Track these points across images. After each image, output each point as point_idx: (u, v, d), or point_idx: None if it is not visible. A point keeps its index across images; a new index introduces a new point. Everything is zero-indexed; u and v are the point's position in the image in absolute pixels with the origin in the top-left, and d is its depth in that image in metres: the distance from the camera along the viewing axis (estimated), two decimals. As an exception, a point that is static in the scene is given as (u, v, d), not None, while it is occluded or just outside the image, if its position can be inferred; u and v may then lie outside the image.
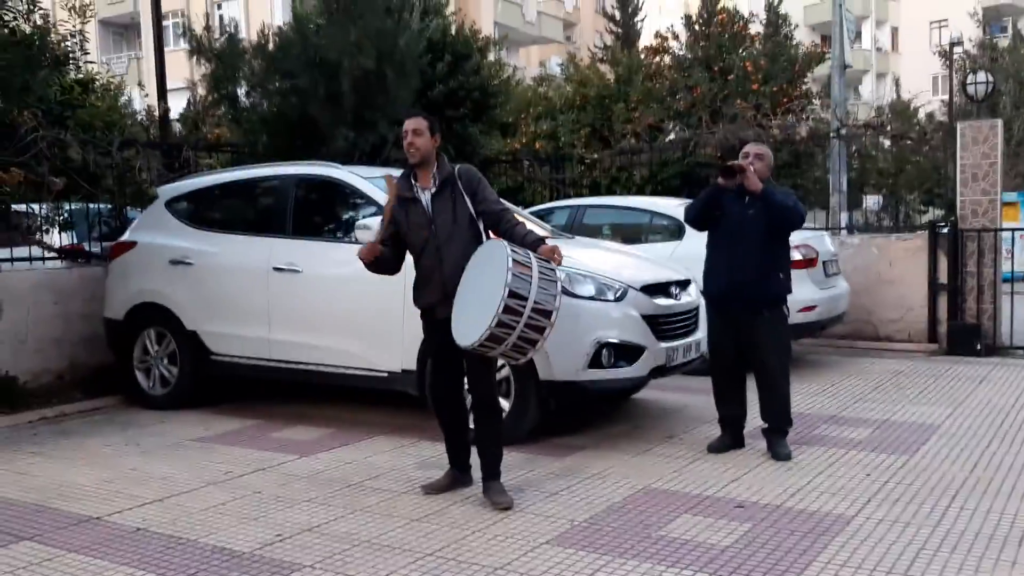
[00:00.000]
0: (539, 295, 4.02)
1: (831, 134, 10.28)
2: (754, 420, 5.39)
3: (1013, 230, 11.21)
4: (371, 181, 6.20)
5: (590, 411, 6.28)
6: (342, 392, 6.79)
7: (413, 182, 4.52)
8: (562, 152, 14.00)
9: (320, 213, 6.59)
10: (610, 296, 5.42)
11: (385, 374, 5.88)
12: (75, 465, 5.29)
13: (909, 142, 10.59)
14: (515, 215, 4.53)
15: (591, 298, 5.34)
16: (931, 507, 4.20)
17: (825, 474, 4.79)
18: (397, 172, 4.68)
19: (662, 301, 5.66)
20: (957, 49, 24.09)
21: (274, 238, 6.41)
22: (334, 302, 6.06)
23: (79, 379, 7.29)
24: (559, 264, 4.22)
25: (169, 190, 7.21)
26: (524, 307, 3.98)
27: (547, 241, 4.32)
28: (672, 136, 14.07)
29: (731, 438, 5.36)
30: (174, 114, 10.44)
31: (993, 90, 9.02)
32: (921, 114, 24.20)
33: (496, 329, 3.99)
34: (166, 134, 9.24)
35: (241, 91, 9.33)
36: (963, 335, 8.91)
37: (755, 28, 17.28)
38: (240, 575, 3.57)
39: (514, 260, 4.03)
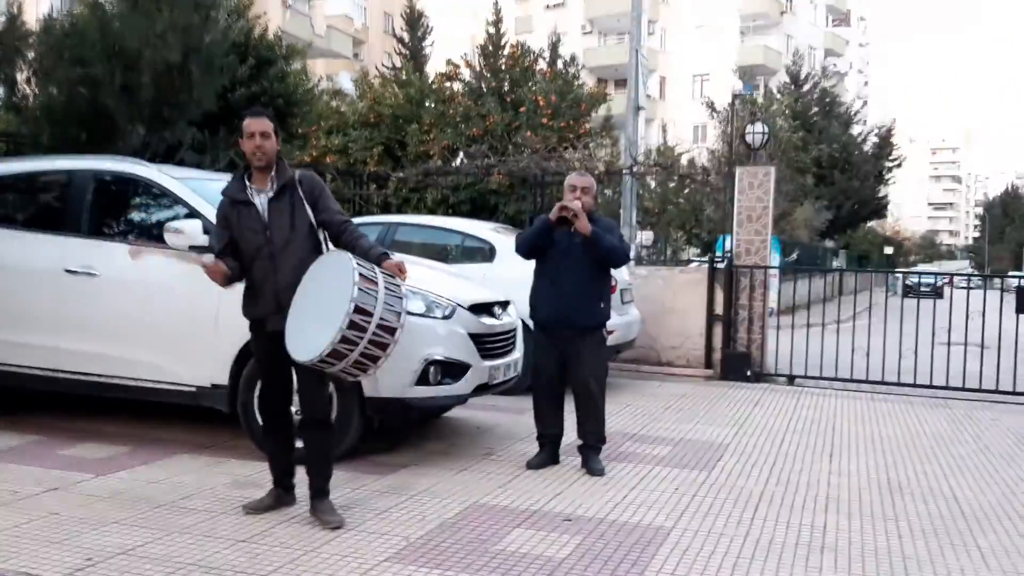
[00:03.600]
0: (384, 311, 3.95)
1: (624, 170, 10.89)
2: (566, 437, 5.59)
3: (779, 268, 12.32)
4: (182, 181, 5.87)
5: (405, 429, 6.24)
6: (129, 407, 6.36)
7: (247, 183, 4.32)
8: (353, 168, 13.87)
9: (122, 212, 6.13)
10: (438, 314, 5.44)
11: (193, 389, 5.54)
12: None
13: (694, 183, 11.44)
14: (357, 228, 4.42)
15: (421, 315, 5.32)
16: (738, 519, 4.54)
17: (638, 488, 5.06)
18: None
19: (487, 320, 5.75)
20: (724, 102, 26.32)
21: (67, 237, 5.89)
22: (136, 310, 5.64)
23: None
24: (404, 280, 4.18)
25: (-63, 178, 6.41)
26: (369, 323, 3.90)
27: (392, 256, 4.26)
28: (461, 161, 14.30)
29: (549, 455, 5.53)
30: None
31: (768, 139, 9.94)
32: (683, 160, 26.30)
33: (339, 345, 3.88)
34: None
35: (21, 77, 8.54)
36: (735, 362, 9.72)
37: (542, 65, 18.05)
38: (52, 604, 3.23)
39: (360, 274, 3.94)
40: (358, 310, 3.86)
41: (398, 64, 33.93)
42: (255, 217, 4.26)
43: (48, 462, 5.20)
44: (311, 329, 3.99)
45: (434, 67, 30.73)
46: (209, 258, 4.21)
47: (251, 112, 4.36)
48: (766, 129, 9.86)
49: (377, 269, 4.07)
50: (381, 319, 3.93)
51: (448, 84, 16.56)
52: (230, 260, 4.24)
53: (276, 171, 4.30)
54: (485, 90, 15.92)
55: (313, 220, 4.29)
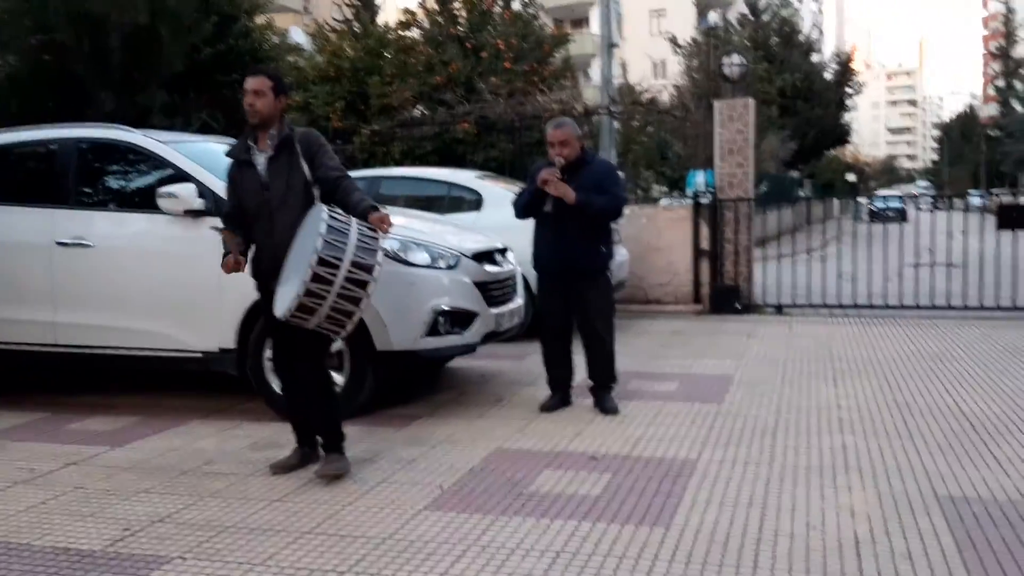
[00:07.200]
0: (353, 264, 3.84)
1: (601, 110, 10.83)
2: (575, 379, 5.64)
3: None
4: (169, 145, 5.75)
5: (417, 382, 6.25)
6: (131, 379, 6.32)
7: (251, 144, 4.26)
8: (315, 124, 13.64)
9: (112, 180, 5.99)
10: (443, 264, 5.41)
11: (200, 355, 5.49)
12: None
13: (674, 118, 11.41)
14: (353, 183, 4.32)
15: (427, 266, 5.30)
16: (759, 446, 4.62)
17: (655, 424, 5.12)
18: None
19: (490, 268, 5.74)
20: (684, 37, 26.16)
21: (56, 209, 5.76)
22: (136, 279, 5.56)
23: None
24: (386, 232, 4.03)
25: (-89, 156, 6.21)
26: (335, 275, 3.80)
27: (380, 210, 4.16)
28: (421, 113, 14.05)
29: (561, 398, 5.57)
30: None
31: (747, 71, 9.92)
32: (650, 96, 26.18)
33: (305, 299, 3.81)
34: None
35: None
36: (724, 296, 9.82)
37: (498, 9, 17.75)
38: (101, 576, 3.21)
39: (329, 226, 3.82)
40: (322, 262, 3.77)
41: (348, 16, 33.19)
42: (255, 177, 4.21)
43: (59, 437, 5.15)
44: (289, 284, 3.96)
45: (384, 18, 30.18)
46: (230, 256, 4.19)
47: (250, 70, 4.30)
48: (744, 60, 9.83)
49: (354, 222, 3.94)
50: (349, 271, 3.82)
51: (406, 33, 16.27)
52: (240, 238, 4.22)
53: (276, 130, 4.23)
54: (444, 38, 15.66)
55: (309, 177, 4.22)
